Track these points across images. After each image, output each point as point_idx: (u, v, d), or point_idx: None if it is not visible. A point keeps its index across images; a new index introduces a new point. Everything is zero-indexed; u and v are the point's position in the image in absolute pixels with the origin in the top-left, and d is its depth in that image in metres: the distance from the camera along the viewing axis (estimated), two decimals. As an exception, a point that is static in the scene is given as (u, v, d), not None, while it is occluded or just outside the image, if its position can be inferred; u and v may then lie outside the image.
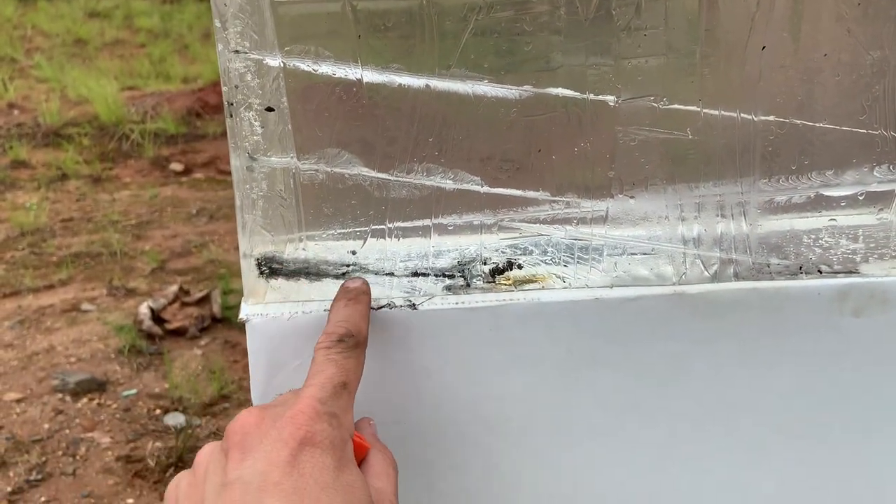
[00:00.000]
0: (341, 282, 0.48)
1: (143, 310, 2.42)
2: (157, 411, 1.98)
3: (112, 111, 4.29)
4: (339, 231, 0.47)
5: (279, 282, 0.47)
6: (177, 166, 3.95)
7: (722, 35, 0.43)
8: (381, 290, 0.48)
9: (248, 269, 0.47)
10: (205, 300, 2.55)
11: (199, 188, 3.64)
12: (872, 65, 0.44)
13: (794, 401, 0.47)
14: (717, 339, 0.47)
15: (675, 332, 0.47)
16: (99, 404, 2.00)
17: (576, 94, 0.45)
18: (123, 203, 3.45)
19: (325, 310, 0.46)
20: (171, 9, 6.55)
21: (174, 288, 2.59)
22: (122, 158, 3.99)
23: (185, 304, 2.53)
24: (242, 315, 0.46)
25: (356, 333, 0.42)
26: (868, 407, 0.47)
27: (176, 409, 1.99)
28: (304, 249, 0.47)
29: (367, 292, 0.45)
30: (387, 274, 0.48)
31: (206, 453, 0.38)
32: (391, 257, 0.48)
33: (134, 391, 2.06)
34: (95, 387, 2.06)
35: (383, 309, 0.46)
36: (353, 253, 0.48)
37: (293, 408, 0.37)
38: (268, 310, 0.46)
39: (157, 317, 2.43)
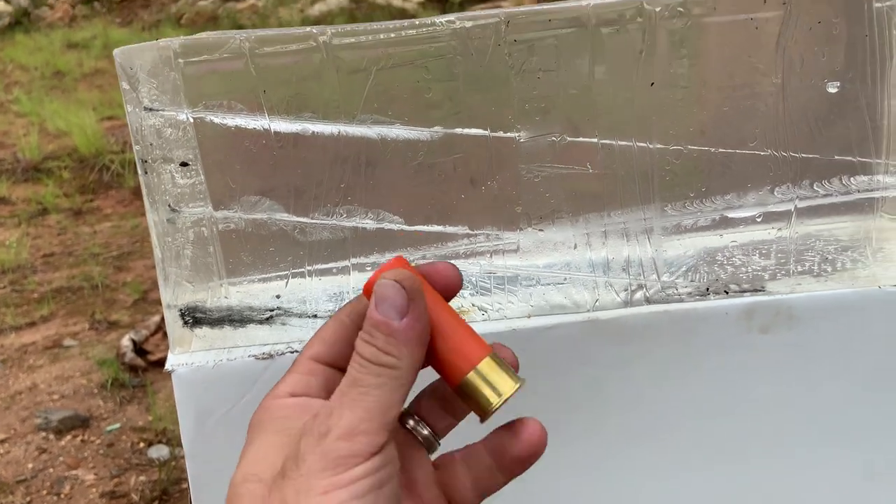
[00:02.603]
0: (266, 327, 0.49)
1: (126, 342, 2.42)
2: (141, 444, 1.98)
3: (91, 142, 4.28)
4: (259, 276, 0.49)
5: (204, 330, 0.48)
6: (157, 195, 3.95)
7: (612, 73, 0.45)
8: (306, 333, 0.49)
9: (173, 320, 0.48)
10: (188, 329, 2.55)
11: (180, 216, 3.62)
12: (760, 91, 0.46)
13: (707, 418, 0.49)
14: (632, 362, 0.48)
15: (590, 358, 0.48)
16: (83, 441, 2.00)
17: (480, 133, 0.46)
18: (105, 235, 3.45)
19: (250, 356, 0.48)
20: (150, 36, 6.56)
21: (156, 318, 2.59)
22: (103, 189, 3.99)
23: (167, 335, 2.52)
24: (168, 366, 0.47)
25: None
26: (778, 420, 0.49)
27: (160, 442, 1.98)
28: (226, 297, 0.49)
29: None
30: (311, 316, 0.49)
31: None
32: (315, 299, 0.49)
33: (117, 425, 2.06)
34: (79, 423, 2.05)
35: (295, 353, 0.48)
36: (278, 297, 0.49)
37: None
38: (193, 358, 0.47)
39: (139, 348, 2.43)
